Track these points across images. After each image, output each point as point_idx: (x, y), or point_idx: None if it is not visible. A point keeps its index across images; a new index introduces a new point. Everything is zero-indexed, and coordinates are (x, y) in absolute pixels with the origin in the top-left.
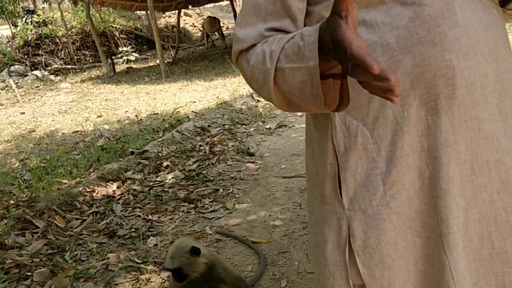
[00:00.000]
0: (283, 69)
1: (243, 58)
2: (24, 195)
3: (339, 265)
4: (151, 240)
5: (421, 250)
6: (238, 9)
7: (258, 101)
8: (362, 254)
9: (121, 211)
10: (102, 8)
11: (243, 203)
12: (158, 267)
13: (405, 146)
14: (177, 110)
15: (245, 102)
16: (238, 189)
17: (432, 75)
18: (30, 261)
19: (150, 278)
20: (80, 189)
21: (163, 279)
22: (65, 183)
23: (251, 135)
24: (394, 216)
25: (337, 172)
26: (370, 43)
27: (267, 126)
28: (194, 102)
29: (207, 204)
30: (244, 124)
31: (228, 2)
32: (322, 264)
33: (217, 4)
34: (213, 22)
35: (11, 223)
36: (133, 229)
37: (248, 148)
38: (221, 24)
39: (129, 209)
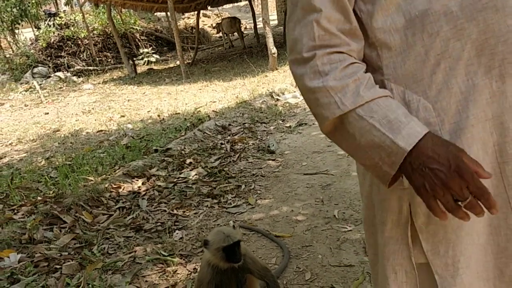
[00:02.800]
0: (361, 118)
1: (314, 62)
2: (51, 192)
3: (400, 244)
4: (177, 233)
5: (485, 222)
6: (256, 9)
7: (278, 100)
8: (425, 231)
9: (146, 206)
10: (123, 10)
11: (265, 198)
12: (184, 259)
13: (470, 116)
14: (198, 109)
15: (265, 101)
16: (259, 185)
17: (496, 41)
18: (59, 254)
19: (176, 270)
20: (106, 186)
21: (189, 271)
22: (91, 180)
23: (271, 133)
24: None
25: None
26: (432, 12)
27: (287, 125)
28: (214, 102)
29: (230, 199)
30: (264, 123)
31: (247, 2)
32: (381, 245)
33: (235, 4)
34: (233, 22)
35: (39, 219)
36: (159, 223)
37: (269, 146)
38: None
39: (155, 204)
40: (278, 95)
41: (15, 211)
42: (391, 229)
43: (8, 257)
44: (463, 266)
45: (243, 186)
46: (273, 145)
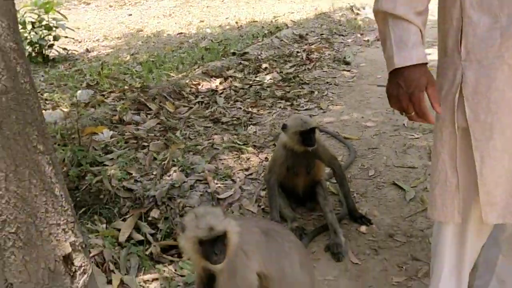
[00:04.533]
0: (387, 24)
1: None
2: (137, 83)
3: (448, 109)
4: (251, 128)
5: None
6: None
7: (358, 14)
8: (471, 99)
9: (223, 103)
10: None
11: (336, 105)
12: (257, 150)
13: None
14: (276, 18)
15: (344, 14)
16: (332, 93)
17: None
18: (146, 135)
19: (249, 158)
20: (187, 81)
21: (261, 159)
22: (173, 76)
23: (348, 45)
24: (506, 67)
25: (460, 28)
26: None
27: (365, 38)
28: (292, 12)
29: (303, 103)
30: (342, 35)
31: None
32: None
33: None
34: None
35: (128, 104)
36: (234, 118)
37: (345, 57)
38: None
39: (231, 102)
40: (358, 9)
41: (106, 96)
42: (444, 96)
43: (102, 132)
44: (498, 133)
45: (316, 92)
46: (350, 56)
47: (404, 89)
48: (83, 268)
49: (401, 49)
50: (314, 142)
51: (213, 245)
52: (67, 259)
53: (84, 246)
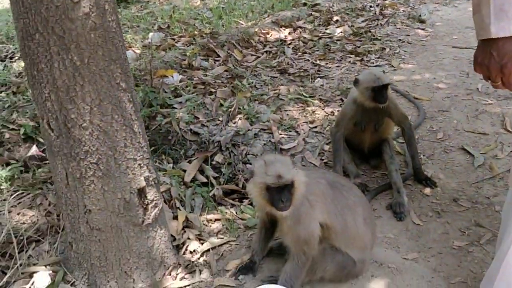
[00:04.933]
0: None
1: None
2: (207, 29)
3: None
4: (318, 81)
5: None
6: None
7: None
8: None
9: (291, 54)
10: None
11: (408, 63)
12: (323, 103)
13: None
14: None
15: None
16: (404, 51)
17: None
18: (214, 81)
19: (315, 111)
20: (256, 30)
21: (326, 113)
22: (242, 24)
23: (425, 3)
24: None
25: None
26: None
27: None
28: None
29: (373, 59)
30: None
31: None
32: None
33: None
34: None
35: (197, 49)
36: (302, 70)
37: (420, 15)
38: None
39: (299, 53)
40: None
41: (176, 40)
42: None
43: (172, 76)
44: None
45: (387, 49)
46: (425, 14)
47: (497, 59)
48: (154, 202)
49: (500, 19)
50: (386, 99)
51: (280, 192)
52: (141, 192)
53: (156, 181)
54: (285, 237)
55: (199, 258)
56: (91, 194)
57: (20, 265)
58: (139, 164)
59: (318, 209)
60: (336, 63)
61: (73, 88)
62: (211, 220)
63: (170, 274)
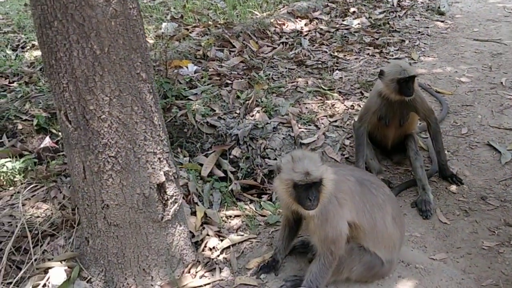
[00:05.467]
0: None
1: None
2: (221, 19)
3: None
4: (337, 73)
5: None
6: None
7: None
8: None
9: (308, 45)
10: None
11: (428, 56)
12: (342, 96)
13: None
14: None
15: None
16: (424, 43)
17: None
18: (229, 72)
19: (334, 104)
20: (271, 21)
21: (346, 107)
22: (257, 14)
23: None
24: None
25: None
26: None
27: None
28: None
29: (392, 51)
30: None
31: None
32: None
33: None
34: None
35: (212, 40)
36: (319, 62)
37: (439, 7)
38: None
39: (316, 45)
40: None
41: (190, 30)
42: None
43: (187, 66)
44: None
45: (406, 41)
46: (445, 6)
47: None
48: (174, 197)
49: None
50: (412, 91)
51: (307, 190)
52: (161, 188)
53: (176, 176)
54: (311, 236)
55: (218, 256)
56: (109, 189)
57: (35, 260)
58: (159, 158)
59: (347, 208)
60: (355, 55)
61: (92, 78)
62: (230, 216)
63: (189, 272)
